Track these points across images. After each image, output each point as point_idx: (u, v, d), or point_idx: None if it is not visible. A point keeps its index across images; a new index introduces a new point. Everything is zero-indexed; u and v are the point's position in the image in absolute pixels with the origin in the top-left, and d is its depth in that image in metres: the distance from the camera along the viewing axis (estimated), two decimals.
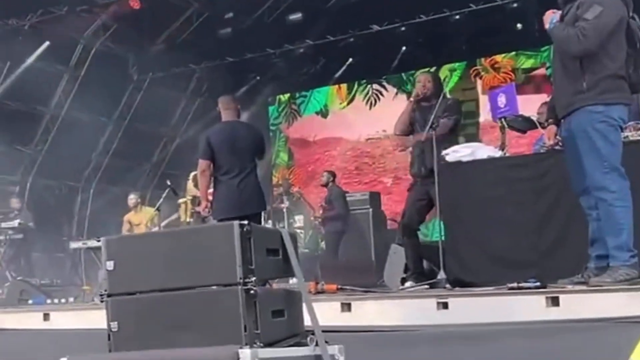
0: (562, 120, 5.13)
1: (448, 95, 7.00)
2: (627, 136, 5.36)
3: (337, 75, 15.60)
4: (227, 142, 7.24)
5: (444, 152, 6.62)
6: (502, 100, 6.77)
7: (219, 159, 7.23)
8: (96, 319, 5.50)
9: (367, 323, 4.76)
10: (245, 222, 3.60)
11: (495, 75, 14.78)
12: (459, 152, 6.58)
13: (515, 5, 12.70)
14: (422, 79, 7.27)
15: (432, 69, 14.55)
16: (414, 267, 6.96)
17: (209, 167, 7.25)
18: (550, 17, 4.95)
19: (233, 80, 15.06)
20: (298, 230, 13.95)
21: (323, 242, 12.97)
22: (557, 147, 5.60)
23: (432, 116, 6.61)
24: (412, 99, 7.12)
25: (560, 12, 4.99)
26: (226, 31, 13.88)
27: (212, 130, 7.43)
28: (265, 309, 3.58)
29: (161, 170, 15.68)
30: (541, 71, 14.30)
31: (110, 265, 3.81)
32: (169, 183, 10.29)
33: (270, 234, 4.04)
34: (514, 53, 14.71)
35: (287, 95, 16.90)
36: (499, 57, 14.88)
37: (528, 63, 14.62)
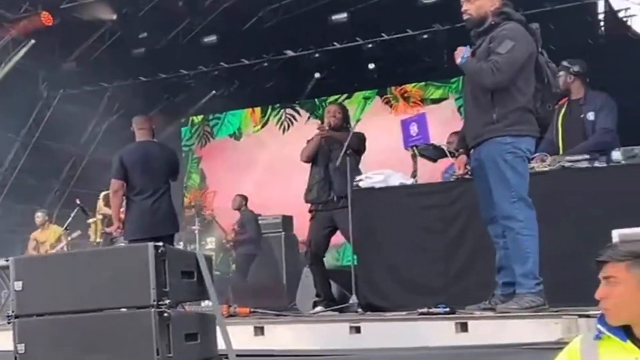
0: (472, 150, 5.22)
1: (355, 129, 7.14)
2: (533, 167, 5.50)
3: (250, 98, 15.67)
4: (140, 162, 7.14)
5: (357, 178, 6.73)
6: (414, 129, 6.92)
7: (132, 179, 7.12)
8: (1, 340, 5.36)
9: (280, 347, 4.74)
10: (160, 243, 3.57)
11: (405, 104, 14.98)
12: (372, 178, 6.68)
13: (425, 36, 12.85)
14: (331, 109, 7.48)
15: (344, 96, 14.94)
16: (324, 293, 7.02)
17: (122, 187, 7.14)
18: (462, 52, 5.03)
19: (146, 100, 14.77)
20: (210, 253, 13.67)
21: (234, 265, 12.95)
22: (466, 177, 5.68)
23: (346, 143, 6.73)
24: (323, 128, 7.25)
25: (470, 48, 5.09)
26: (140, 51, 13.66)
27: (126, 150, 7.31)
28: (178, 332, 3.56)
29: (69, 189, 15.33)
30: (449, 102, 14.52)
31: (18, 285, 3.74)
32: (78, 202, 10.14)
33: (185, 256, 4.03)
34: (423, 83, 14.91)
35: (200, 117, 16.81)
36: (409, 86, 15.08)
37: (437, 93, 14.81)
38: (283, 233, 12.47)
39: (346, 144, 6.73)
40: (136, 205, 7.11)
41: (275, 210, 12.93)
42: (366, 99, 14.78)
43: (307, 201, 7.25)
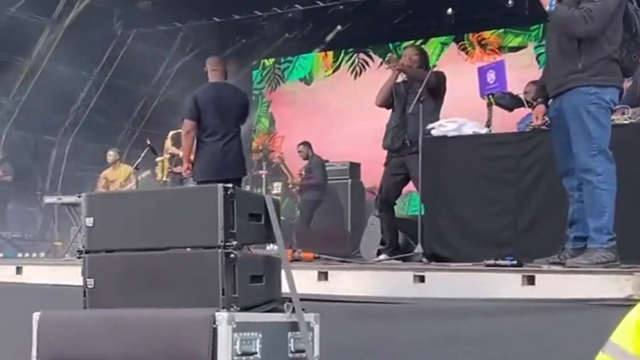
0: (552, 100, 5.14)
1: (435, 69, 7.06)
2: (613, 119, 5.36)
3: (324, 41, 15.50)
4: (213, 103, 7.16)
5: (429, 126, 6.68)
6: (491, 76, 6.83)
7: (204, 120, 7.14)
8: (69, 275, 5.51)
9: (344, 293, 4.79)
10: (229, 185, 3.59)
11: (481, 51, 14.77)
12: (445, 127, 6.63)
13: None
14: (407, 52, 7.42)
15: (419, 41, 14.40)
16: (390, 241, 7.02)
17: (194, 128, 7.16)
18: None
19: (219, 41, 14.86)
20: (275, 198, 13.85)
21: (299, 210, 13.03)
22: (543, 127, 5.60)
23: (424, 82, 6.67)
24: (395, 62, 7.17)
25: None
26: None
27: (200, 90, 7.32)
28: (244, 273, 3.59)
29: (140, 129, 15.58)
30: (528, 50, 14.25)
31: (89, 221, 3.81)
32: (148, 142, 10.24)
33: (254, 198, 4.05)
34: (502, 30, 14.64)
35: (271, 60, 16.71)
36: (486, 33, 14.81)
37: (515, 41, 14.52)
38: (350, 180, 12.52)
39: (424, 83, 6.65)
40: (207, 146, 7.15)
41: (344, 157, 12.95)
42: (443, 44, 14.54)
43: (384, 147, 7.22)
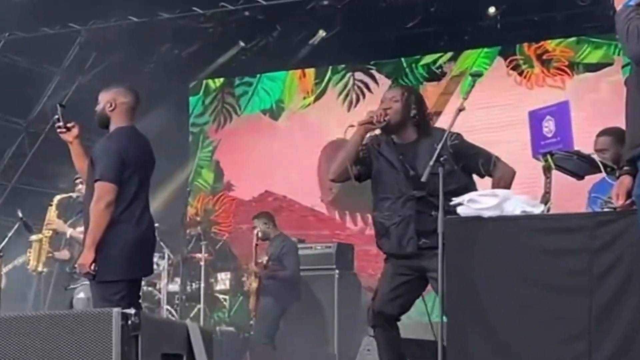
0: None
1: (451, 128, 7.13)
2: None
3: (300, 55, 15.49)
4: (140, 160, 7.42)
5: (455, 201, 6.70)
6: (549, 126, 6.80)
7: (126, 187, 7.29)
8: None
9: None
10: (132, 310, 3.74)
11: (543, 70, 14.85)
12: (479, 203, 6.61)
13: None
14: (388, 94, 7.54)
15: (447, 55, 15.02)
16: None
17: (116, 197, 7.26)
18: None
19: (136, 51, 15.07)
20: (220, 296, 14.11)
21: (256, 318, 12.76)
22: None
23: (436, 154, 6.78)
24: (358, 124, 7.30)
25: None
26: None
27: (125, 140, 7.45)
28: None
29: (12, 185, 15.47)
30: (613, 70, 14.33)
31: None
32: (20, 215, 10.32)
33: (169, 329, 4.21)
34: (574, 39, 14.74)
35: (219, 81, 16.84)
36: (549, 43, 14.93)
37: (595, 55, 14.61)
38: (337, 271, 12.56)
39: (438, 148, 6.76)
40: (122, 227, 7.27)
41: (329, 236, 13.35)
42: (483, 59, 14.72)
43: (382, 249, 7.47)
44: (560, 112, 6.89)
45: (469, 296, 6.58)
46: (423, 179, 6.78)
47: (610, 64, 14.43)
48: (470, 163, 7.24)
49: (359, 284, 12.79)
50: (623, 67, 13.81)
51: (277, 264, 12.37)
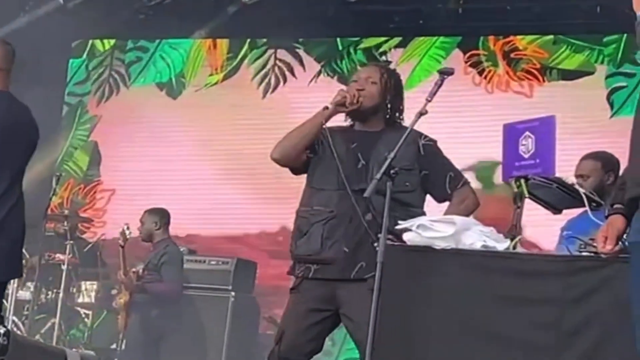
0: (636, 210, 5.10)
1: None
2: None
3: (213, 21, 14.74)
4: (3, 131, 7.28)
5: (400, 226, 6.37)
6: (527, 144, 6.63)
7: None
8: None
9: None
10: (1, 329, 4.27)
11: (509, 71, 14.24)
12: (431, 230, 6.30)
13: None
14: (363, 73, 7.33)
15: (394, 41, 14.62)
16: None
17: None
18: None
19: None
20: (82, 310, 13.69)
21: (126, 340, 12.08)
22: (621, 256, 5.42)
23: (393, 154, 6.36)
24: (331, 104, 7.00)
25: None
26: None
27: None
28: None
29: None
30: (594, 80, 13.65)
31: None
32: None
33: (44, 356, 4.91)
34: (550, 37, 14.05)
35: (110, 42, 16.08)
36: (520, 40, 14.26)
37: (574, 61, 13.86)
38: (232, 294, 11.95)
39: (392, 155, 6.33)
40: None
41: (226, 248, 13.27)
42: (437, 51, 14.39)
43: (293, 255, 7.10)
44: (544, 129, 6.72)
45: (403, 347, 6.34)
46: (366, 195, 6.39)
47: (591, 73, 13.84)
48: (437, 174, 6.99)
49: (258, 311, 12.36)
50: (606, 78, 13.74)
51: (154, 274, 11.61)
